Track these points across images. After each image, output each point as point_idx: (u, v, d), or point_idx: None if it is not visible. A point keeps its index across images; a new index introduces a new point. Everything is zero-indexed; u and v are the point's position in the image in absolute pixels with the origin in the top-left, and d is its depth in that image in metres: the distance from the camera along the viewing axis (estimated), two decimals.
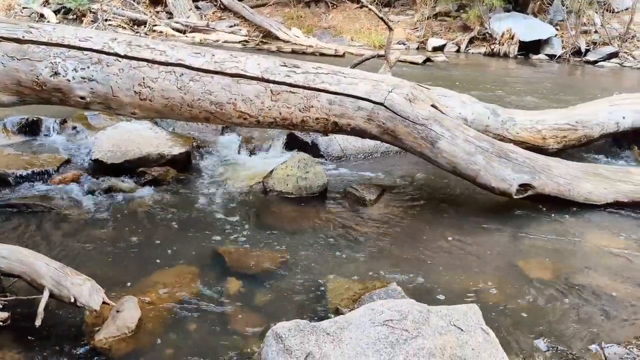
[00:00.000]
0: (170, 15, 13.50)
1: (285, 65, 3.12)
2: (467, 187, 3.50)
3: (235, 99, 3.01)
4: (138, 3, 13.62)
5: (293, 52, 10.76)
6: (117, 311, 2.05)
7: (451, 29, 12.95)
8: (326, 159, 4.16)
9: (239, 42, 11.86)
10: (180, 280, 2.41)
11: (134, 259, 2.61)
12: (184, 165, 3.77)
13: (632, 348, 1.98)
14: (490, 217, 3.23)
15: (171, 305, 2.22)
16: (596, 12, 11.73)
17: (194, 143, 4.06)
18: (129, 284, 2.37)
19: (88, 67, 2.90)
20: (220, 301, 2.27)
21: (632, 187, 3.34)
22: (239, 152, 4.18)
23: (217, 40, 11.72)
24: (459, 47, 12.21)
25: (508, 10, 12.36)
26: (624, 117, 4.33)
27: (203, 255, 2.65)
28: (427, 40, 12.45)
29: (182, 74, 2.97)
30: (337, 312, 2.15)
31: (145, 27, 12.40)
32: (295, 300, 2.31)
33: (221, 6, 14.20)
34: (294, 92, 3.07)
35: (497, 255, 2.81)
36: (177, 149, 3.76)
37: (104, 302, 2.04)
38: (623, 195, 3.32)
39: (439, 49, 12.02)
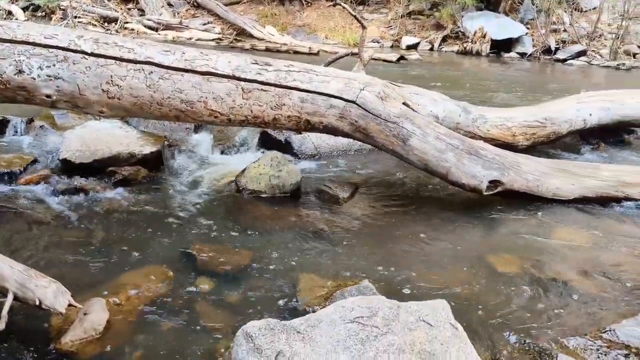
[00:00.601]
0: (142, 12, 13.32)
1: (257, 63, 3.10)
2: (439, 184, 3.54)
3: (206, 97, 2.98)
4: (109, 0, 13.38)
5: (267, 50, 10.73)
6: (85, 313, 2.01)
7: (424, 27, 13.08)
8: (300, 157, 4.16)
9: (213, 39, 11.77)
10: (150, 280, 2.37)
11: (102, 260, 2.56)
12: (155, 164, 3.71)
13: (597, 340, 2.02)
14: (462, 213, 3.27)
15: (141, 306, 2.19)
16: (565, 11, 12.00)
17: (165, 142, 4.01)
18: (97, 285, 2.32)
19: (54, 65, 2.84)
20: (191, 301, 2.25)
21: (598, 183, 3.42)
22: (211, 151, 4.15)
23: (191, 38, 11.61)
24: (433, 46, 12.36)
25: (480, 9, 12.56)
26: (590, 114, 4.44)
27: (174, 255, 2.62)
28: (401, 38, 12.57)
29: (152, 72, 2.92)
30: (309, 310, 2.14)
31: (116, 24, 12.20)
32: (267, 299, 2.30)
33: (194, 3, 14.07)
34: (265, 90, 3.05)
35: (468, 251, 2.85)
36: (148, 148, 3.71)
37: (70, 305, 2.00)
38: (589, 190, 3.39)
39: (413, 47, 12.14)
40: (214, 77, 2.99)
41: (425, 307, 1.83)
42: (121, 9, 13.27)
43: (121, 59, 2.89)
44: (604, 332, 2.06)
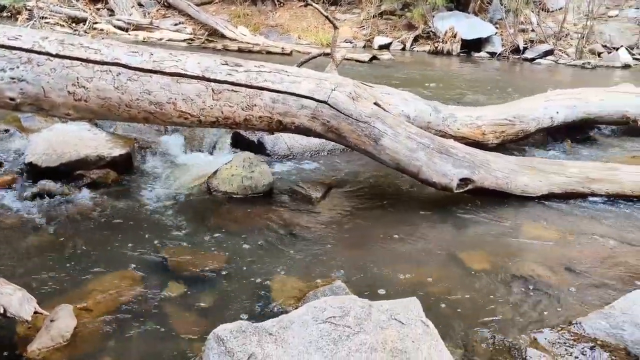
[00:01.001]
0: (111, 12, 13.11)
1: (227, 64, 3.08)
2: (411, 183, 3.57)
3: (176, 99, 2.95)
4: (77, 0, 13.12)
5: (240, 50, 10.67)
6: (51, 320, 1.97)
7: (396, 27, 13.19)
8: (273, 158, 4.15)
9: (184, 40, 11.65)
10: (119, 285, 2.33)
11: (70, 265, 2.50)
12: (125, 167, 3.65)
13: (564, 333, 2.07)
14: (434, 212, 3.30)
15: (110, 311, 2.15)
16: (532, 12, 12.24)
17: (136, 144, 3.95)
18: (64, 291, 2.27)
19: (17, 67, 2.77)
20: (161, 305, 2.22)
21: (565, 179, 3.49)
22: (182, 153, 4.11)
23: (162, 39, 11.47)
24: (404, 45, 12.48)
25: (450, 10, 12.73)
26: (557, 112, 4.54)
27: (144, 260, 2.58)
28: (373, 38, 12.65)
29: (119, 74, 2.88)
30: (282, 311, 2.14)
31: (85, 25, 11.97)
32: (240, 301, 2.28)
33: (165, 4, 13.91)
34: (236, 91, 3.04)
35: (440, 249, 2.87)
36: (117, 151, 3.65)
37: (36, 312, 1.95)
38: (556, 187, 3.47)
39: (385, 47, 12.24)
40: (183, 78, 2.95)
41: (397, 306, 1.84)
42: (90, 9, 13.04)
43: (87, 60, 2.84)
44: (571, 326, 2.11)
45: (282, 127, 3.23)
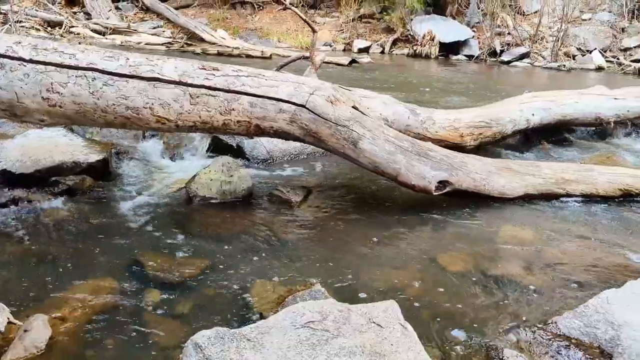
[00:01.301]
0: (88, 16, 12.95)
1: (204, 68, 3.06)
2: (390, 186, 3.59)
3: (153, 104, 2.92)
4: (53, 3, 12.94)
5: (219, 54, 10.64)
6: (25, 331, 1.93)
7: (375, 30, 13.29)
8: (252, 162, 4.14)
9: (163, 44, 11.55)
10: (96, 293, 2.30)
11: (45, 274, 2.46)
12: (102, 173, 3.61)
13: (540, 332, 2.09)
14: (413, 215, 3.32)
15: (86, 320, 2.12)
16: (509, 15, 12.42)
17: (113, 149, 3.91)
18: (39, 301, 2.23)
19: None
20: (138, 313, 2.19)
21: (541, 181, 3.55)
22: (161, 158, 4.08)
23: (140, 43, 11.36)
24: (384, 49, 12.58)
25: (428, 13, 12.85)
26: (533, 114, 4.62)
27: (121, 267, 2.55)
28: (352, 41, 12.72)
29: (95, 78, 2.84)
30: (261, 317, 2.13)
31: (61, 28, 11.80)
32: (219, 308, 2.27)
33: (143, 7, 13.78)
34: (213, 95, 3.02)
35: (419, 251, 2.89)
36: (94, 156, 3.60)
37: (9, 322, 1.91)
38: (533, 188, 3.52)
39: (365, 50, 12.32)
40: (160, 82, 2.93)
41: (376, 309, 1.85)
42: (66, 12, 12.86)
43: (62, 65, 2.80)
44: (547, 325, 2.13)
45: (260, 132, 3.22)
